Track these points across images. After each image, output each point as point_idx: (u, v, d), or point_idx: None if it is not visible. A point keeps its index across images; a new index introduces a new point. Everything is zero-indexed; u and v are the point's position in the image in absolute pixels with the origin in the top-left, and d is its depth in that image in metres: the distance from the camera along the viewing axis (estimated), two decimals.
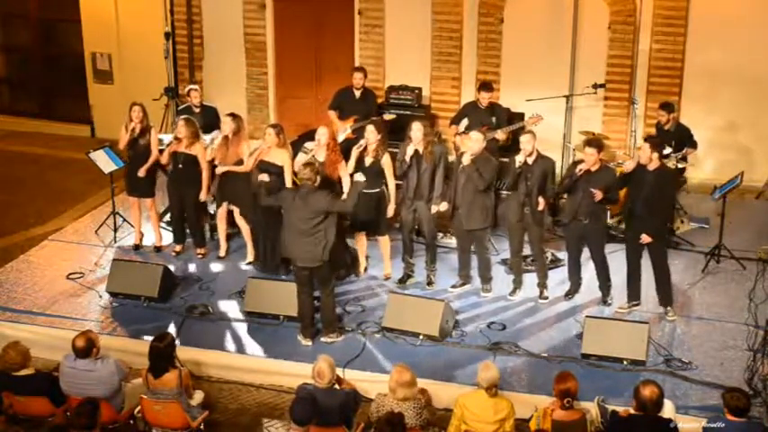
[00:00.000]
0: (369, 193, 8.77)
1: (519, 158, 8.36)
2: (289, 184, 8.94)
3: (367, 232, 9.11)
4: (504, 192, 8.78)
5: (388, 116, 10.51)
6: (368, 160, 8.76)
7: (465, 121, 10.26)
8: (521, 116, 10.59)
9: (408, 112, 11.50)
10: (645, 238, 8.17)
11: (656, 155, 8.08)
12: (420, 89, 11.95)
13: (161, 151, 9.59)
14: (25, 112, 14.81)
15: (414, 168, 8.69)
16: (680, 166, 9.90)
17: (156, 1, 13.01)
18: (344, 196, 8.23)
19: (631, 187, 8.33)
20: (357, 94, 10.63)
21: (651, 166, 8.10)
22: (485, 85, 10.40)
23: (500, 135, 10.15)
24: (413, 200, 8.82)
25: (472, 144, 8.47)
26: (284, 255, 8.24)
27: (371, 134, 8.67)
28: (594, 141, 8.47)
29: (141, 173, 9.54)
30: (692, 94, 11.52)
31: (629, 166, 8.34)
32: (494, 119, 10.22)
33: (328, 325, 8.10)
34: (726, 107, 11.51)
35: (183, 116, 9.70)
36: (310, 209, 7.75)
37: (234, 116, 9.28)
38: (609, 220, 9.67)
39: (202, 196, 9.42)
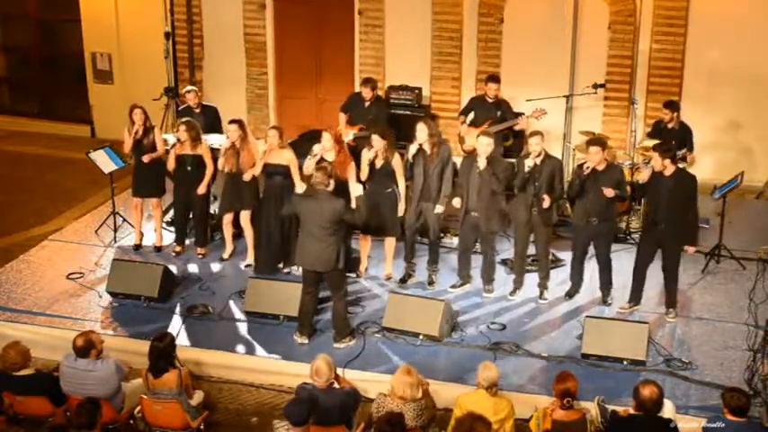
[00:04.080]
0: (380, 194, 8.79)
1: (529, 163, 8.35)
2: (297, 182, 8.95)
3: (376, 233, 9.09)
4: (512, 193, 8.77)
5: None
6: (378, 162, 8.79)
7: (471, 115, 10.31)
8: (521, 116, 10.60)
9: (408, 112, 11.53)
10: (690, 250, 8.31)
11: (668, 161, 8.07)
12: (420, 89, 11.96)
13: (166, 152, 9.59)
14: (25, 112, 14.82)
15: (420, 168, 8.70)
16: (679, 166, 9.88)
17: (156, 1, 13.02)
18: (353, 205, 8.21)
19: (649, 195, 8.35)
20: (366, 104, 10.63)
21: (667, 172, 8.09)
22: (492, 78, 10.46)
23: (523, 124, 10.17)
24: (419, 201, 8.83)
25: (484, 148, 8.45)
26: (297, 261, 8.23)
27: (377, 142, 8.70)
28: (597, 140, 8.48)
29: (146, 159, 9.51)
30: (692, 94, 11.52)
31: (644, 176, 8.34)
32: (498, 113, 10.26)
33: (341, 331, 8.08)
34: (726, 107, 11.52)
35: (183, 119, 9.68)
36: (326, 214, 7.75)
37: (237, 122, 9.22)
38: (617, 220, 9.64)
39: (201, 189, 9.39)
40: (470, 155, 8.84)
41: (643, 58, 11.60)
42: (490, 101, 10.34)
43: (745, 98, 11.42)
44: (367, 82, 10.70)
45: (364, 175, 8.83)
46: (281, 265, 9.26)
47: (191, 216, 9.79)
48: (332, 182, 7.93)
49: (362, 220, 8.20)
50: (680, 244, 8.33)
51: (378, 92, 10.83)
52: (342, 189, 8.53)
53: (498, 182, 8.45)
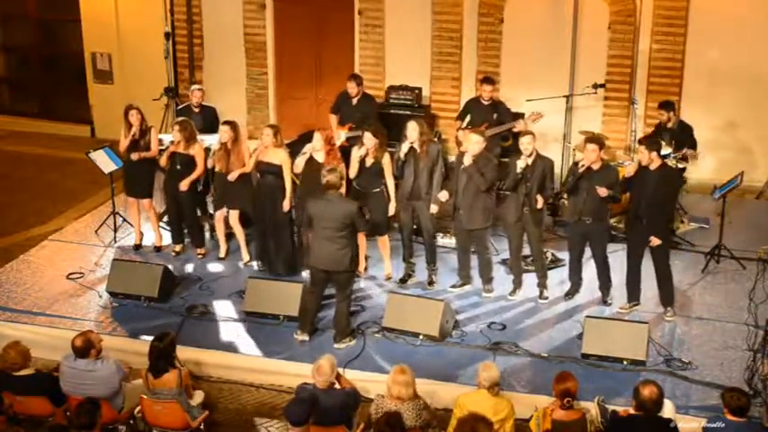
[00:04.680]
0: (369, 193, 8.79)
1: (520, 164, 8.34)
2: (288, 182, 8.96)
3: (367, 233, 9.10)
4: (504, 192, 8.78)
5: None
6: (368, 161, 8.80)
7: (468, 118, 10.31)
8: (521, 116, 10.59)
9: (408, 112, 11.53)
10: (654, 241, 8.18)
11: (654, 154, 8.08)
12: (420, 89, 11.96)
13: (161, 152, 9.60)
14: (25, 112, 14.83)
15: (410, 167, 8.70)
16: (680, 166, 9.90)
17: (156, 1, 13.03)
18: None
19: (635, 189, 8.32)
20: (354, 101, 10.63)
21: (653, 166, 8.10)
22: (486, 79, 10.43)
23: (521, 126, 10.15)
24: (410, 200, 8.83)
25: (472, 146, 8.47)
26: (310, 261, 8.16)
27: (369, 140, 8.71)
28: (595, 138, 8.48)
29: (134, 156, 9.49)
30: (692, 94, 11.53)
31: (630, 170, 8.33)
32: (495, 115, 10.24)
33: (342, 331, 8.07)
34: (726, 107, 11.52)
35: (178, 119, 9.69)
36: (337, 215, 7.77)
37: (230, 124, 9.24)
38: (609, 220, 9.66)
39: (183, 186, 9.37)
40: (463, 153, 8.83)
41: (643, 58, 11.60)
42: (486, 103, 10.32)
43: (745, 98, 11.42)
44: (352, 78, 10.68)
45: (353, 172, 8.83)
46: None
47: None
48: (344, 183, 7.94)
49: (367, 228, 8.31)
50: (666, 238, 8.32)
51: (363, 88, 10.77)
52: None
53: (483, 179, 8.45)
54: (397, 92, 11.95)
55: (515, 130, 10.34)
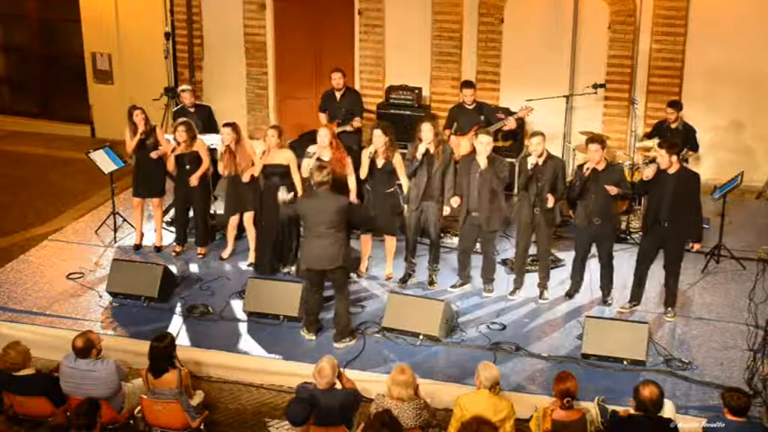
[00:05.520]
0: (382, 194, 8.77)
1: (531, 161, 8.34)
2: (297, 181, 8.94)
3: (377, 231, 9.08)
4: (514, 193, 8.75)
5: (356, 123, 10.51)
6: (379, 162, 8.73)
7: (454, 126, 10.29)
8: (511, 114, 10.59)
9: (408, 112, 11.53)
10: (695, 247, 8.27)
11: (674, 157, 8.06)
12: (420, 89, 11.95)
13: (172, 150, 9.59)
14: (25, 112, 14.83)
15: (424, 168, 8.67)
16: (683, 164, 9.88)
17: (156, 1, 13.03)
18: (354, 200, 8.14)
19: (653, 193, 8.30)
20: (338, 95, 10.62)
21: (671, 170, 8.08)
22: (466, 83, 10.39)
23: (511, 124, 10.15)
24: (421, 200, 8.80)
25: (484, 147, 8.44)
26: (303, 262, 8.12)
27: (378, 138, 8.64)
28: (597, 138, 8.47)
29: (154, 155, 9.47)
30: (692, 94, 11.52)
31: (648, 173, 8.31)
32: (482, 117, 10.23)
33: (342, 330, 8.07)
34: (726, 107, 11.52)
35: (181, 120, 9.67)
36: (327, 210, 7.75)
37: (231, 125, 9.20)
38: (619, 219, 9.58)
39: (193, 181, 9.37)
40: (469, 155, 8.82)
41: (643, 58, 11.60)
42: (470, 107, 10.29)
43: (745, 98, 11.42)
44: (337, 69, 10.65)
45: (364, 173, 8.79)
46: (285, 270, 9.26)
47: (191, 215, 9.79)
48: (330, 179, 7.90)
49: (369, 225, 8.29)
50: (683, 242, 8.32)
51: (346, 79, 10.75)
52: (342, 185, 8.55)
53: (500, 181, 8.45)
54: (397, 92, 11.94)
55: (506, 128, 10.34)
